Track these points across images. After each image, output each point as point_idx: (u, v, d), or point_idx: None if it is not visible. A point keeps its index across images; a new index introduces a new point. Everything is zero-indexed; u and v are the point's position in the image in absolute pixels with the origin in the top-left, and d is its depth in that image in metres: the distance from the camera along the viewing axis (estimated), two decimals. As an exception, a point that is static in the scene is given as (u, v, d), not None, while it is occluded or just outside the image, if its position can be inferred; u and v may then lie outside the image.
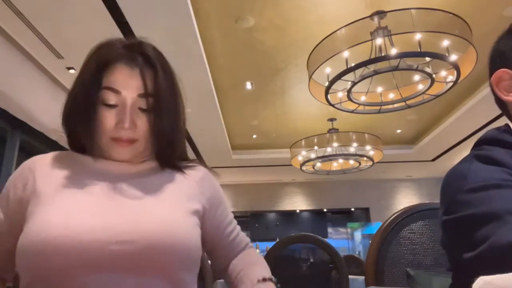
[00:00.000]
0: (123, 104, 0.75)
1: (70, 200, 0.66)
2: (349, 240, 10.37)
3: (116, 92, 0.74)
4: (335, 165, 6.73)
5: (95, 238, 0.60)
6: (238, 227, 0.90)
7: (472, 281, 0.45)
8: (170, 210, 0.70)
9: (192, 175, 0.82)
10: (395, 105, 4.19)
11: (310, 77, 3.76)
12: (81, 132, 0.75)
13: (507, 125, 0.72)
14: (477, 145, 0.71)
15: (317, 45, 3.57)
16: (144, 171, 0.79)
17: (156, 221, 0.66)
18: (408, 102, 4.08)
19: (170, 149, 0.81)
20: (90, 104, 0.74)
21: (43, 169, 0.73)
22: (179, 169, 0.82)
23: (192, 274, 0.71)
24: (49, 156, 0.78)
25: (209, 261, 1.06)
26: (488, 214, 0.55)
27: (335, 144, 6.03)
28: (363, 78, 3.50)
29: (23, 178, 0.73)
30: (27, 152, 4.26)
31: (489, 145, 0.68)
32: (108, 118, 0.74)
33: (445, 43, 3.21)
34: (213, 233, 0.83)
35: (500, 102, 0.74)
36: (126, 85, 0.75)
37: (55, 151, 0.80)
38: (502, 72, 0.71)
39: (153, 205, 0.70)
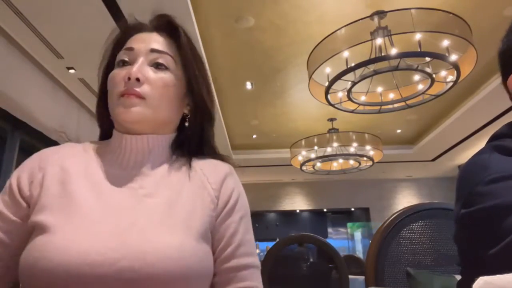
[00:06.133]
0: (135, 58, 0.71)
1: (73, 224, 0.59)
2: (349, 240, 10.37)
3: (129, 49, 0.72)
4: (335, 165, 6.73)
5: (95, 273, 0.54)
6: (250, 261, 0.68)
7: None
8: (181, 241, 0.59)
9: (209, 177, 0.72)
10: (395, 105, 4.19)
11: (310, 77, 3.76)
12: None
13: None
14: (494, 138, 0.69)
15: (317, 45, 3.57)
16: (158, 169, 0.70)
17: (163, 256, 0.56)
18: (408, 102, 4.08)
19: (202, 124, 0.80)
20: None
21: (53, 169, 0.66)
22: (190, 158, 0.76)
23: None
24: (59, 153, 0.70)
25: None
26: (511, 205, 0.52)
27: (335, 144, 6.03)
28: (363, 78, 3.50)
29: (30, 175, 0.66)
30: (27, 152, 4.26)
31: (508, 138, 0.66)
32: (118, 75, 0.69)
33: (445, 43, 3.21)
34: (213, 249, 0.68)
35: None
36: (140, 41, 0.73)
37: (67, 144, 0.74)
38: None
39: (162, 233, 0.59)
